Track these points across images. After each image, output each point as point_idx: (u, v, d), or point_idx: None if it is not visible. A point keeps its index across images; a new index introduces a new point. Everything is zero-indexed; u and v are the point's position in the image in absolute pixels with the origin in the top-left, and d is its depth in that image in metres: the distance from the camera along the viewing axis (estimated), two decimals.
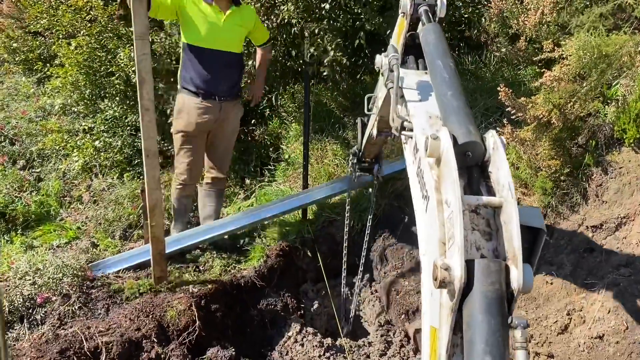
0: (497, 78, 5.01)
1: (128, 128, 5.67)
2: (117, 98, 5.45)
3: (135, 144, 5.56)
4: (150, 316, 3.53)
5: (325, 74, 4.88)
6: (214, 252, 4.33)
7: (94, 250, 4.32)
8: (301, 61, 5.01)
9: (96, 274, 3.92)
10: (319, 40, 4.62)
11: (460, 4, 5.27)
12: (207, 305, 3.74)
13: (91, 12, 5.43)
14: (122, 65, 5.20)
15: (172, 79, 4.99)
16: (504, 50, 4.96)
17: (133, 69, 5.23)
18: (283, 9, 4.72)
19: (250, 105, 4.76)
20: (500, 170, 1.56)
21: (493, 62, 5.34)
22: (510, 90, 3.57)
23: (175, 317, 3.57)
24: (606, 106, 3.97)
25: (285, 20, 4.81)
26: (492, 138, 1.62)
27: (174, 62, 5.16)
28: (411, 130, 1.93)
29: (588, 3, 4.20)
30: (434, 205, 1.59)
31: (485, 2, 5.01)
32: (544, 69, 3.89)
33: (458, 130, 1.63)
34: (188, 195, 4.40)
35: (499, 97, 3.61)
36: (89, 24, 5.40)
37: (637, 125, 3.65)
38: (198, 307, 3.65)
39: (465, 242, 1.39)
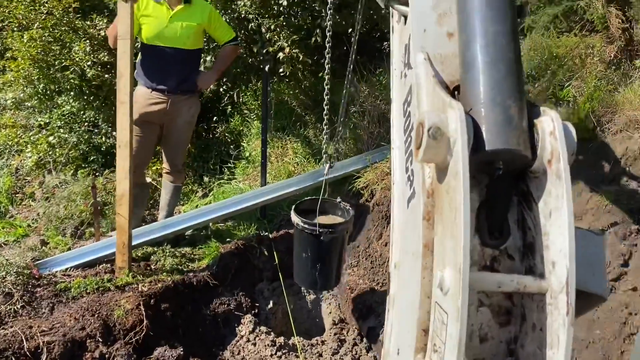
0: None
1: (85, 124, 5.55)
2: (72, 93, 5.32)
3: (92, 140, 5.44)
4: (96, 315, 3.44)
5: (281, 71, 4.84)
6: (167, 249, 4.25)
7: (43, 248, 4.21)
8: (260, 58, 4.97)
9: (43, 272, 3.81)
10: (275, 36, 4.58)
11: None
12: (157, 305, 3.66)
13: (46, 4, 5.28)
14: (77, 59, 5.07)
15: None
16: None
17: (88, 63, 5.12)
18: (240, 4, 4.67)
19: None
20: (556, 217, 1.04)
21: None
22: None
23: (122, 316, 3.48)
24: (558, 107, 4.03)
25: (243, 16, 4.76)
26: (550, 139, 1.07)
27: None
28: (405, 4, 1.43)
29: (542, 5, 4.26)
30: (417, 248, 1.13)
31: None
32: None
33: (488, 111, 1.10)
34: (135, 183, 4.34)
35: None
36: (44, 17, 5.26)
37: (586, 125, 3.72)
38: (147, 306, 3.58)
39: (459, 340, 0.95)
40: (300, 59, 4.57)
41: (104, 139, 5.43)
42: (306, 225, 2.76)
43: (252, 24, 4.80)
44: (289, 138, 5.46)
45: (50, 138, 5.41)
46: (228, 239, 4.47)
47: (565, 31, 4.13)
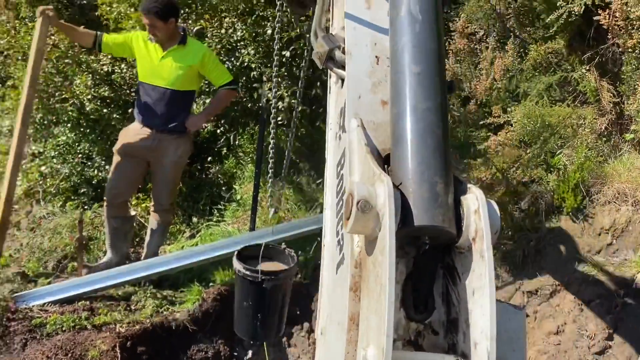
0: (450, 138, 5.13)
1: (79, 156, 5.55)
2: (69, 124, 5.34)
3: (84, 172, 5.43)
4: (70, 355, 3.36)
5: (279, 119, 4.90)
6: (148, 290, 4.17)
7: (22, 280, 4.13)
8: (259, 105, 5.04)
9: (19, 306, 3.73)
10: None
11: None
12: (133, 347, 3.57)
13: (53, 37, 5.37)
14: (77, 92, 5.12)
15: (129, 110, 4.95)
16: (458, 112, 5.10)
17: (88, 97, 5.17)
18: (243, 52, 4.77)
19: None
20: (479, 296, 1.04)
21: (450, 122, 5.49)
22: (455, 152, 3.65)
23: (97, 357, 3.40)
24: (549, 174, 4.08)
25: (245, 64, 4.85)
26: (474, 217, 1.09)
27: (132, 93, 5.14)
28: (342, 67, 1.43)
29: (537, 73, 4.38)
30: (343, 318, 1.11)
31: None
32: (490, 133, 4.01)
33: (415, 187, 1.12)
34: (114, 216, 4.33)
35: None
36: (50, 48, 5.33)
37: (575, 195, 3.76)
38: (123, 348, 3.49)
39: None
40: (299, 108, 4.63)
41: (96, 172, 5.42)
42: (247, 272, 2.61)
43: (255, 72, 4.89)
44: (281, 184, 5.47)
45: (43, 167, 5.40)
46: (211, 283, 4.41)
47: (558, 100, 4.23)
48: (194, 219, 5.40)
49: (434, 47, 1.27)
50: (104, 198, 4.39)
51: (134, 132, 4.25)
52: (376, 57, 1.40)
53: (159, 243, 4.52)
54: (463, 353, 1.08)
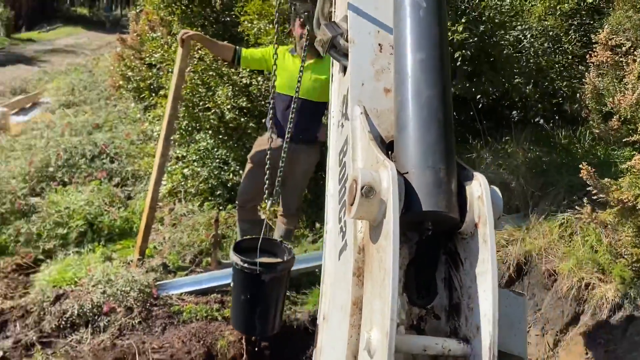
0: (589, 156, 4.81)
1: (217, 160, 6.00)
2: (210, 131, 5.80)
3: (221, 176, 5.85)
4: (202, 342, 3.64)
5: None
6: None
7: (164, 270, 4.55)
8: None
9: (160, 293, 4.12)
10: None
11: (555, 76, 5.17)
12: (258, 342, 3.78)
13: (199, 51, 5.89)
14: (218, 102, 5.55)
15: (262, 120, 5.27)
16: (598, 128, 4.76)
17: (228, 106, 5.58)
18: None
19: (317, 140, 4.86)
20: (482, 280, 1.05)
21: (588, 139, 5.14)
22: (593, 170, 3.41)
23: (225, 346, 3.64)
24: None
25: None
26: (478, 203, 1.10)
27: (266, 104, 5.46)
28: (345, 55, 1.42)
29: None
30: (347, 303, 1.11)
31: (579, 77, 4.88)
32: (635, 152, 3.70)
33: (419, 173, 1.13)
34: (244, 219, 4.62)
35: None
36: (196, 62, 5.85)
37: None
38: (248, 342, 3.71)
39: None
40: None
41: (231, 175, 5.81)
42: (245, 265, 2.60)
43: None
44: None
45: (185, 170, 5.91)
46: None
47: None
48: (317, 225, 5.58)
49: (438, 33, 1.25)
50: (237, 201, 4.70)
51: (265, 142, 4.48)
52: (379, 44, 1.39)
53: None
54: (465, 337, 1.08)
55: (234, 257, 2.65)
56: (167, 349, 3.55)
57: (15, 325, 3.83)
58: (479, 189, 1.12)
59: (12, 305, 3.98)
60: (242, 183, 4.73)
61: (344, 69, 1.49)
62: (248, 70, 5.83)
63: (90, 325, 3.72)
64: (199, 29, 6.42)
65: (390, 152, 1.24)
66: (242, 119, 5.58)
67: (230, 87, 5.66)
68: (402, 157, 1.17)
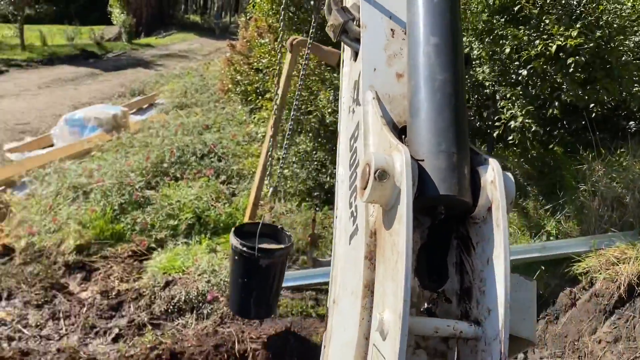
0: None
1: (315, 163, 6.16)
2: (310, 134, 5.97)
3: (318, 178, 6.00)
4: (296, 336, 3.76)
5: (510, 138, 4.78)
6: None
7: None
8: (489, 123, 4.99)
9: None
10: (509, 104, 4.56)
11: None
12: None
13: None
14: (320, 106, 5.71)
15: None
16: None
17: (329, 110, 5.71)
18: (478, 70, 4.78)
19: None
20: (494, 264, 1.06)
21: None
22: None
23: (320, 343, 3.74)
24: None
25: (479, 82, 4.85)
26: (491, 187, 1.10)
27: None
28: (356, 40, 1.41)
29: None
30: (357, 287, 1.12)
31: None
32: None
33: (432, 158, 1.12)
34: None
35: None
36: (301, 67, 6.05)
37: None
38: None
39: None
40: (533, 129, 4.47)
41: (328, 178, 5.94)
42: (244, 248, 2.61)
43: (487, 90, 4.86)
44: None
45: (285, 171, 6.12)
46: None
47: None
48: None
49: (452, 19, 1.25)
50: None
51: None
52: (391, 29, 1.37)
53: None
54: (476, 319, 1.09)
55: (234, 240, 2.67)
56: (263, 339, 3.71)
57: (130, 306, 4.18)
58: (492, 173, 1.12)
59: (127, 287, 4.36)
60: None
61: (355, 55, 1.50)
62: None
63: (195, 312, 3.98)
64: (304, 34, 6.63)
65: (403, 137, 1.24)
66: None
67: (332, 91, 5.79)
68: (415, 142, 1.17)
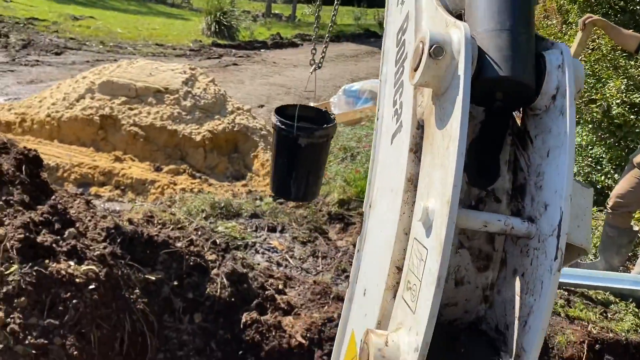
0: None
1: (589, 159, 5.60)
2: (590, 126, 5.43)
3: (591, 176, 5.45)
4: None
5: None
6: (630, 306, 3.92)
7: None
8: None
9: None
10: None
11: None
12: (601, 352, 3.47)
13: (596, 40, 5.52)
14: (607, 95, 5.13)
15: None
16: None
17: (617, 101, 5.10)
18: None
19: None
20: (555, 155, 0.97)
21: None
22: None
23: (563, 344, 3.47)
24: None
25: None
26: (557, 72, 0.97)
27: None
28: None
29: None
30: (398, 184, 1.05)
31: None
32: None
33: (494, 36, 1.01)
34: (612, 225, 4.23)
35: None
36: (590, 52, 5.51)
37: None
38: (590, 348, 3.44)
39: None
40: None
41: (603, 177, 5.35)
42: (283, 126, 2.46)
43: None
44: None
45: None
46: None
47: None
48: None
49: None
50: (607, 203, 4.32)
51: None
52: None
53: None
54: (529, 217, 1.03)
55: (273, 118, 2.58)
56: None
57: None
58: (559, 57, 1.01)
59: None
60: (618, 186, 4.30)
61: None
62: None
63: None
64: (600, 16, 5.99)
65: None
66: (632, 117, 5.02)
67: (625, 80, 5.15)
68: (474, 20, 1.06)
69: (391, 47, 1.42)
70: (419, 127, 1.11)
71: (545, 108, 1.04)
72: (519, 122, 1.13)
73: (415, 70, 0.99)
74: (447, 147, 0.93)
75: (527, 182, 1.07)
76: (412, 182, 1.09)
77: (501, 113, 1.11)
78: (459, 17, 1.16)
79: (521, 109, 1.11)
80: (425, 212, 0.95)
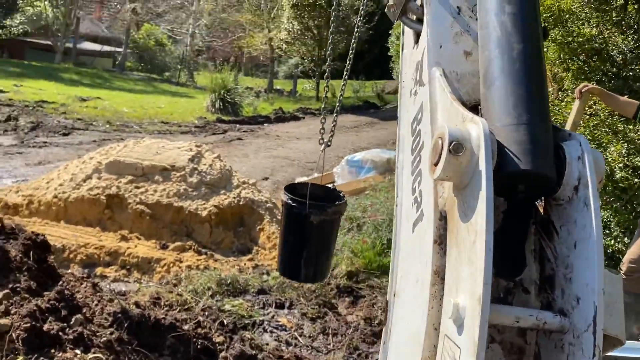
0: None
1: None
2: None
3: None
4: None
5: None
6: None
7: None
8: None
9: None
10: None
11: None
12: None
13: (594, 106, 5.62)
14: (609, 159, 5.16)
15: None
16: None
17: (620, 165, 5.13)
18: None
19: None
20: (582, 247, 0.97)
21: None
22: None
23: None
24: None
25: None
26: (577, 164, 1.00)
27: None
28: (419, 21, 1.35)
29: None
30: (423, 275, 1.04)
31: None
32: None
33: (512, 130, 1.02)
34: (625, 290, 4.07)
35: None
36: (588, 117, 5.60)
37: None
38: None
39: None
40: None
41: (612, 242, 5.28)
42: (295, 204, 2.37)
43: None
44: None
45: None
46: None
47: None
48: None
49: None
50: (620, 268, 4.24)
51: None
52: (457, 7, 1.28)
53: None
54: (561, 310, 1.00)
55: (283, 196, 2.50)
56: None
57: None
58: (578, 148, 1.03)
59: None
60: (631, 250, 4.25)
61: (417, 36, 1.43)
62: None
63: None
64: (595, 84, 6.14)
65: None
66: (636, 180, 5.03)
67: (625, 144, 5.20)
68: (491, 114, 1.08)
69: (406, 136, 1.43)
70: (442, 219, 1.11)
71: (568, 199, 1.05)
72: (541, 210, 1.13)
73: (436, 165, 1.00)
74: (473, 241, 0.93)
75: (555, 273, 1.06)
76: (439, 275, 1.07)
77: (524, 203, 1.12)
78: (474, 107, 1.20)
79: (543, 198, 1.12)
80: (456, 309, 0.93)
